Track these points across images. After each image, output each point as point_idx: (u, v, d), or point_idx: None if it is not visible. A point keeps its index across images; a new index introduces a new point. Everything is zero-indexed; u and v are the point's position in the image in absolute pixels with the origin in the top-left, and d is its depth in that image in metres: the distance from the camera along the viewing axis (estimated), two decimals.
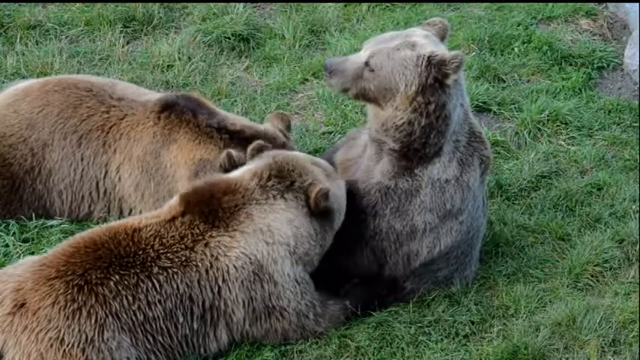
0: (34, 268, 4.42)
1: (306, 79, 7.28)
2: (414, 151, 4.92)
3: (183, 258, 4.54)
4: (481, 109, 7.01)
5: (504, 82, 7.38)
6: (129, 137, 5.50)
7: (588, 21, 8.23)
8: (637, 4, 7.89)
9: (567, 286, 5.36)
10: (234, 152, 5.21)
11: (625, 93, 7.46)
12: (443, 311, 5.07)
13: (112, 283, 4.37)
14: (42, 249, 5.23)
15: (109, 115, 5.54)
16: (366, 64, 4.86)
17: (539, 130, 6.85)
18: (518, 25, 7.97)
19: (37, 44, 7.28)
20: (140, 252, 4.50)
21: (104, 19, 7.54)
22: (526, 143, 6.74)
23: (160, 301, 4.45)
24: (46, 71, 6.87)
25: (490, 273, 5.47)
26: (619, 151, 6.72)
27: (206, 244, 4.59)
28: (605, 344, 4.90)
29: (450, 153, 4.97)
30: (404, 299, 5.16)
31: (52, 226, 5.50)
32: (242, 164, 5.11)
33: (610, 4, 8.39)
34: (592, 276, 5.44)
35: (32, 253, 5.13)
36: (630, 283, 5.38)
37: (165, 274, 4.48)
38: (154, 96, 5.71)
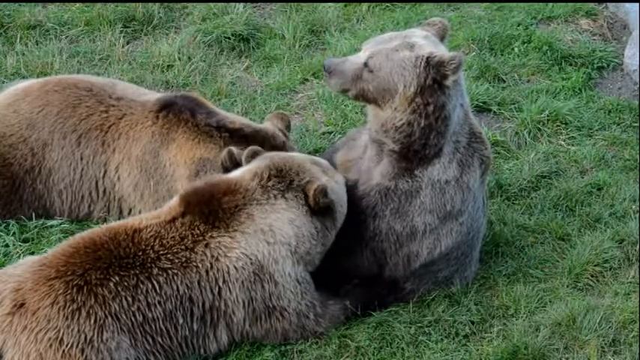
0: (34, 268, 4.42)
1: (306, 79, 7.28)
2: (413, 152, 4.91)
3: (184, 259, 4.53)
4: (481, 109, 7.01)
5: (504, 82, 7.38)
6: (128, 137, 5.50)
7: (588, 21, 8.23)
8: (637, 4, 7.89)
9: (567, 286, 5.35)
10: (235, 150, 5.21)
11: (625, 93, 7.46)
12: (443, 311, 5.07)
13: (111, 284, 4.37)
14: (42, 249, 5.23)
15: (107, 115, 5.54)
16: (365, 64, 4.86)
17: (539, 130, 6.85)
18: (518, 25, 7.97)
19: (37, 44, 7.28)
20: (140, 253, 4.49)
21: (104, 19, 7.54)
22: (526, 143, 6.74)
23: (159, 302, 4.44)
24: (46, 71, 6.87)
25: (490, 273, 5.47)
26: (619, 151, 6.72)
27: (206, 245, 4.59)
28: (605, 344, 4.90)
29: (450, 154, 4.97)
30: (404, 299, 5.15)
31: (52, 226, 5.50)
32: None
33: (610, 4, 8.39)
34: (592, 276, 5.43)
35: (32, 253, 5.13)
36: (630, 283, 5.38)
37: (165, 275, 4.47)
38: (153, 96, 5.71)
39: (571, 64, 7.62)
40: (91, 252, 4.45)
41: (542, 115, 6.88)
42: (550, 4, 8.30)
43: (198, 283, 4.54)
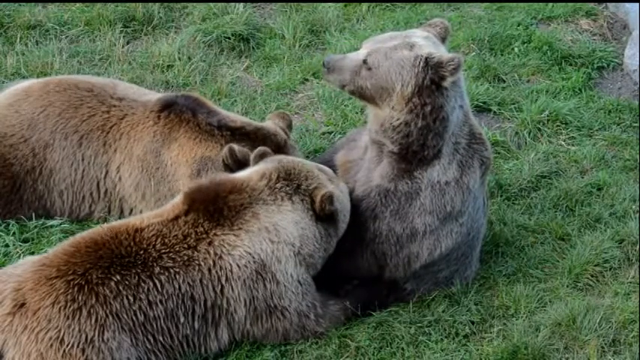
0: (35, 268, 4.42)
1: (306, 79, 7.29)
2: (412, 153, 4.91)
3: (186, 257, 4.53)
4: (481, 109, 7.01)
5: (504, 82, 7.38)
6: (129, 137, 5.50)
7: (588, 21, 8.23)
8: (637, 4, 7.90)
9: (567, 286, 5.35)
10: (236, 147, 5.21)
11: (625, 93, 7.47)
12: (443, 311, 5.07)
13: (112, 283, 4.37)
14: (42, 249, 5.23)
15: (109, 115, 5.55)
16: (364, 62, 4.86)
17: (539, 130, 6.85)
18: (518, 25, 7.98)
19: (37, 44, 7.28)
20: (142, 252, 4.49)
21: (104, 19, 7.54)
22: (526, 143, 6.74)
23: (161, 301, 4.45)
24: (46, 71, 6.87)
25: (490, 273, 5.47)
26: (619, 151, 6.72)
27: (210, 243, 4.59)
28: (605, 344, 4.90)
29: (449, 155, 4.97)
30: (404, 300, 5.16)
31: (52, 226, 5.50)
32: (244, 159, 5.12)
33: (610, 4, 8.40)
34: (592, 276, 5.44)
35: (32, 253, 5.13)
36: (630, 283, 5.38)
37: (167, 274, 4.47)
38: (154, 96, 5.71)
39: (571, 64, 7.63)
40: (92, 251, 4.45)
41: (542, 115, 6.89)
42: (550, 4, 8.30)
43: (201, 281, 4.54)
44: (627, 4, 8.14)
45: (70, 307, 4.27)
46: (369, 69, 4.84)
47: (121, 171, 5.52)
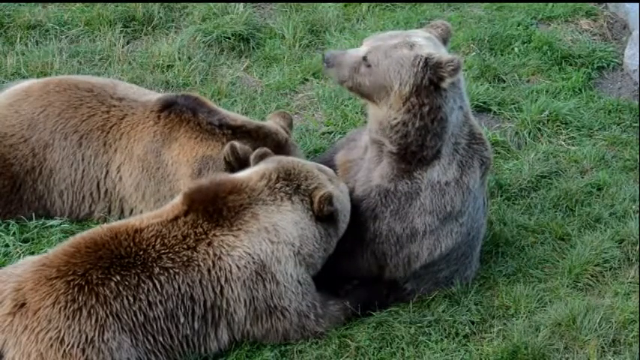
0: (35, 268, 4.42)
1: (306, 79, 7.29)
2: (411, 153, 4.91)
3: (185, 258, 4.53)
4: (481, 109, 7.01)
5: (504, 82, 7.39)
6: (129, 137, 5.50)
7: (588, 21, 8.23)
8: (637, 4, 7.90)
9: (567, 286, 5.36)
10: (238, 144, 5.22)
11: (625, 93, 7.47)
12: (443, 311, 5.07)
13: (112, 284, 4.37)
14: (42, 249, 5.23)
15: (109, 115, 5.55)
16: (364, 58, 4.86)
17: (539, 130, 6.85)
18: (518, 25, 7.98)
19: (37, 44, 7.28)
20: (141, 252, 4.49)
21: (104, 19, 7.54)
22: (526, 143, 6.74)
23: (160, 302, 4.45)
24: (46, 71, 6.87)
25: (490, 273, 5.47)
26: (619, 151, 6.72)
27: (209, 243, 4.59)
28: (605, 344, 4.90)
29: (449, 155, 4.97)
30: (404, 299, 5.16)
31: (52, 226, 5.49)
32: (246, 156, 5.12)
33: (610, 4, 8.40)
34: (592, 276, 5.44)
35: (32, 253, 5.13)
36: (630, 283, 5.38)
37: (166, 274, 4.47)
38: (154, 96, 5.71)
39: (571, 64, 7.63)
40: (92, 252, 4.45)
41: (542, 115, 6.89)
42: (550, 4, 8.30)
43: (200, 281, 4.54)
44: (627, 4, 8.14)
45: (70, 307, 4.27)
46: (369, 66, 4.84)
47: (122, 171, 5.52)
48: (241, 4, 7.93)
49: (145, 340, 4.43)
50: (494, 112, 7.03)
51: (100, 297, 4.33)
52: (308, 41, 7.72)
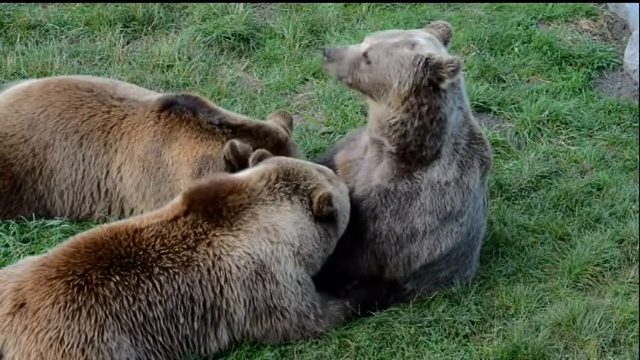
0: (35, 268, 4.42)
1: (306, 79, 7.29)
2: (410, 153, 4.91)
3: (185, 258, 4.53)
4: (481, 109, 7.02)
5: (504, 82, 7.39)
6: (130, 137, 5.50)
7: (588, 21, 8.23)
8: (637, 4, 7.90)
9: (567, 286, 5.36)
10: (238, 142, 5.22)
11: (625, 93, 7.47)
12: (443, 311, 5.07)
13: (112, 284, 4.37)
14: (42, 249, 5.23)
15: (109, 115, 5.55)
16: (365, 55, 4.86)
17: (539, 130, 6.85)
18: (518, 25, 7.98)
19: (37, 44, 7.28)
20: (141, 252, 4.49)
21: (104, 19, 7.54)
22: (526, 143, 6.74)
23: (160, 302, 4.44)
24: (46, 71, 6.87)
25: (490, 273, 5.47)
26: (619, 151, 6.72)
27: (209, 243, 4.59)
28: (605, 344, 4.90)
29: (449, 155, 4.97)
30: (404, 299, 5.16)
31: (52, 226, 5.49)
32: (246, 155, 5.12)
33: (610, 4, 8.40)
34: (592, 276, 5.44)
35: (32, 253, 5.13)
36: (630, 283, 5.38)
37: (166, 274, 4.47)
38: (154, 96, 5.72)
39: (571, 64, 7.63)
40: (91, 252, 4.45)
41: (542, 115, 6.89)
42: (550, 4, 8.31)
43: (200, 282, 4.54)
44: (627, 4, 8.15)
45: (69, 307, 4.27)
46: (369, 62, 4.84)
47: (122, 171, 5.52)
48: (241, 4, 7.93)
49: (145, 340, 4.43)
50: (494, 112, 7.03)
51: (100, 297, 4.33)
52: (308, 41, 7.72)
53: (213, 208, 4.65)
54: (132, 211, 5.55)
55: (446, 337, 4.95)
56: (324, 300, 4.92)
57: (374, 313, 5.04)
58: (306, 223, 4.76)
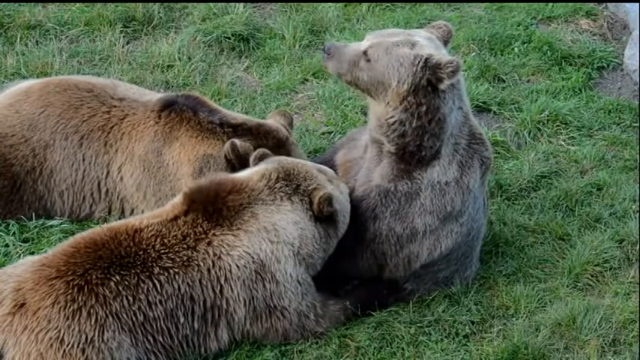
0: (34, 268, 4.42)
1: (306, 79, 7.29)
2: (410, 153, 4.91)
3: (185, 258, 4.54)
4: (481, 109, 7.02)
5: (504, 82, 7.39)
6: (130, 137, 5.50)
7: (588, 21, 8.23)
8: (637, 4, 7.90)
9: (567, 286, 5.36)
10: (238, 141, 5.22)
11: (625, 93, 7.47)
12: (443, 311, 5.07)
13: (112, 284, 4.37)
14: (42, 249, 5.23)
15: (110, 116, 5.55)
16: (364, 53, 4.86)
17: (539, 130, 6.85)
18: (518, 25, 7.98)
19: (37, 44, 7.28)
20: (141, 252, 4.50)
21: (104, 19, 7.54)
22: (526, 143, 6.74)
23: (160, 302, 4.45)
24: (46, 71, 6.87)
25: (490, 273, 5.47)
26: (619, 151, 6.72)
27: (209, 243, 4.59)
28: (605, 344, 4.90)
29: (449, 155, 4.97)
30: (404, 299, 5.16)
31: (52, 226, 5.49)
32: (246, 154, 5.12)
33: (610, 4, 8.40)
34: (592, 276, 5.44)
35: (32, 253, 5.13)
36: (630, 283, 5.38)
37: (166, 274, 4.47)
38: (154, 96, 5.72)
39: (571, 64, 7.63)
40: (91, 252, 4.45)
41: (542, 115, 6.89)
42: (550, 4, 8.30)
43: (200, 281, 4.54)
44: (627, 4, 8.14)
45: (69, 307, 4.28)
46: (368, 60, 4.84)
47: (123, 171, 5.52)
48: (241, 4, 7.93)
49: (145, 339, 4.43)
50: (494, 112, 7.03)
51: (100, 297, 4.33)
52: (308, 41, 7.72)
53: (213, 208, 4.65)
54: (132, 211, 5.55)
55: (446, 337, 4.95)
56: (324, 300, 4.93)
57: (374, 313, 5.04)
58: (306, 224, 4.76)
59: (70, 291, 4.31)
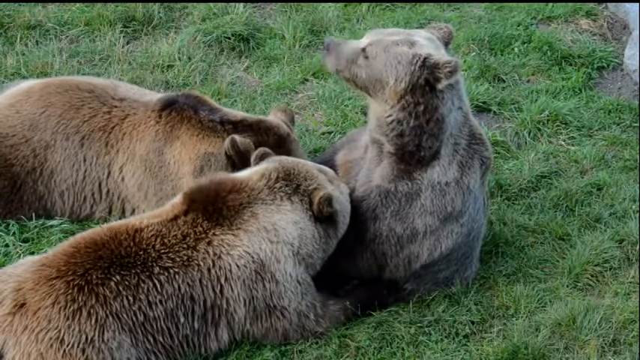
0: (35, 268, 4.42)
1: (306, 79, 7.29)
2: (409, 154, 4.91)
3: (185, 257, 4.54)
4: (481, 109, 7.02)
5: (504, 82, 7.39)
6: (131, 137, 5.51)
7: (588, 21, 8.23)
8: (637, 4, 7.90)
9: (567, 286, 5.36)
10: (238, 138, 5.22)
11: (625, 93, 7.47)
12: (443, 311, 5.07)
13: (112, 284, 4.37)
14: (42, 249, 5.23)
15: (110, 116, 5.55)
16: (363, 50, 4.86)
17: (539, 130, 6.85)
18: (518, 25, 7.98)
19: (37, 44, 7.28)
20: (141, 252, 4.50)
21: (104, 19, 7.54)
22: (526, 143, 6.74)
23: (160, 301, 4.45)
24: (46, 71, 6.87)
25: (490, 273, 5.47)
26: (619, 151, 6.72)
27: (209, 243, 4.59)
28: (605, 344, 4.90)
29: (449, 155, 4.97)
30: (404, 300, 5.16)
31: (52, 226, 5.49)
32: (246, 150, 5.12)
33: (610, 4, 8.40)
34: (592, 276, 5.44)
35: (32, 253, 5.13)
36: (630, 283, 5.38)
37: (166, 274, 4.48)
38: (155, 96, 5.72)
39: (571, 64, 7.64)
40: (91, 252, 4.45)
41: (542, 115, 6.89)
42: (550, 4, 8.31)
43: (200, 281, 4.54)
44: (627, 4, 8.15)
45: (70, 307, 4.28)
46: (367, 58, 4.84)
47: (124, 171, 5.52)
48: (241, 4, 7.93)
49: (145, 339, 4.43)
50: (494, 112, 7.03)
51: (100, 297, 4.33)
52: (308, 41, 7.72)
53: (213, 208, 4.66)
54: (133, 211, 5.55)
55: (446, 337, 4.95)
56: (324, 300, 4.93)
57: (374, 313, 5.04)
58: (306, 224, 4.76)
59: (70, 291, 4.31)
